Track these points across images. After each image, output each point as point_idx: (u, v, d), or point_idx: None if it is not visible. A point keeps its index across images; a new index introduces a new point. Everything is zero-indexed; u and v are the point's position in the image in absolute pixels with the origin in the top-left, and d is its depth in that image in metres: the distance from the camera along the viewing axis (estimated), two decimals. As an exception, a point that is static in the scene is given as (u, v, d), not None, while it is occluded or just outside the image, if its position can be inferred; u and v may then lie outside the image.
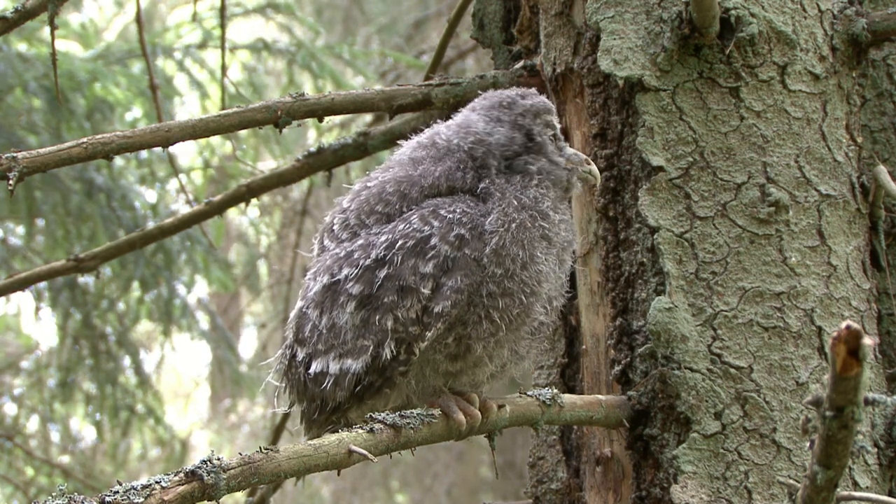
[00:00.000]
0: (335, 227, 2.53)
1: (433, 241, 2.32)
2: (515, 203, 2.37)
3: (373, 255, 2.37)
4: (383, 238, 2.38)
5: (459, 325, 2.33)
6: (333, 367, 2.43)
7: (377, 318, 2.35)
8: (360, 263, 2.39)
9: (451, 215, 2.35)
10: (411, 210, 2.40)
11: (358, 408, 2.49)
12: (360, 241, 2.42)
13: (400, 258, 2.33)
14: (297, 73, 7.27)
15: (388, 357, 2.35)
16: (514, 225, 2.34)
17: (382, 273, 2.35)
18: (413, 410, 2.31)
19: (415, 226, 2.36)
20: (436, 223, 2.34)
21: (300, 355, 2.50)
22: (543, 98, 2.56)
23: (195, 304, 7.71)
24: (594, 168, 2.57)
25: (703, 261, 2.76)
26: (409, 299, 2.32)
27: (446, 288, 2.30)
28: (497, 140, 2.48)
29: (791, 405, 2.68)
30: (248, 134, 7.52)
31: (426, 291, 2.30)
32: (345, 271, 2.41)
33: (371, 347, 2.37)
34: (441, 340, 2.34)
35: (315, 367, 2.46)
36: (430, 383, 2.41)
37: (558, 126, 2.55)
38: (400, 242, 2.34)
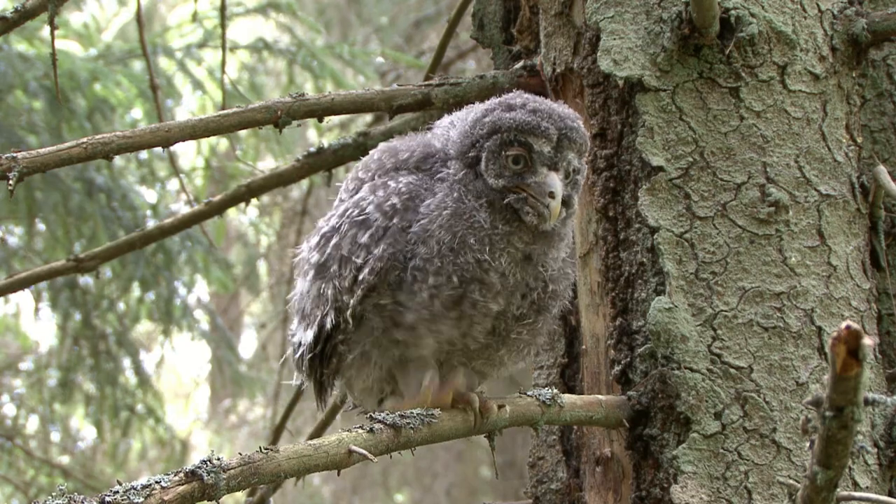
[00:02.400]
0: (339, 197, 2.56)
1: (369, 208, 2.34)
2: (456, 195, 2.32)
3: (330, 225, 2.41)
4: (342, 208, 2.41)
5: (395, 287, 2.30)
6: (305, 338, 2.45)
7: (324, 287, 2.38)
8: (322, 232, 2.42)
9: (394, 184, 2.34)
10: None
11: (322, 384, 2.49)
12: (332, 211, 2.46)
13: (346, 228, 2.35)
14: (298, 73, 7.27)
15: (329, 327, 2.36)
16: (446, 211, 2.30)
17: (332, 242, 2.37)
18: (413, 410, 2.32)
19: (363, 195, 2.37)
20: (380, 193, 2.35)
21: (294, 324, 2.53)
22: (534, 117, 2.29)
23: (195, 304, 7.70)
24: (553, 203, 2.27)
25: (703, 261, 2.76)
26: (346, 268, 2.33)
27: (371, 257, 2.30)
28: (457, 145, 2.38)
29: (791, 405, 2.68)
30: (248, 134, 7.52)
31: (358, 261, 2.31)
32: (312, 240, 2.46)
33: (319, 317, 2.39)
34: (376, 301, 2.32)
35: (296, 336, 2.49)
36: (381, 355, 2.38)
37: (545, 148, 2.29)
38: (349, 212, 2.37)
